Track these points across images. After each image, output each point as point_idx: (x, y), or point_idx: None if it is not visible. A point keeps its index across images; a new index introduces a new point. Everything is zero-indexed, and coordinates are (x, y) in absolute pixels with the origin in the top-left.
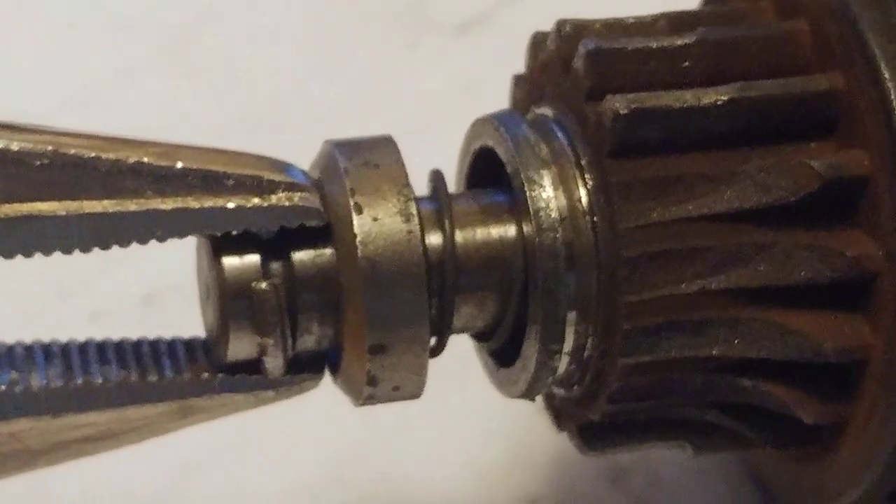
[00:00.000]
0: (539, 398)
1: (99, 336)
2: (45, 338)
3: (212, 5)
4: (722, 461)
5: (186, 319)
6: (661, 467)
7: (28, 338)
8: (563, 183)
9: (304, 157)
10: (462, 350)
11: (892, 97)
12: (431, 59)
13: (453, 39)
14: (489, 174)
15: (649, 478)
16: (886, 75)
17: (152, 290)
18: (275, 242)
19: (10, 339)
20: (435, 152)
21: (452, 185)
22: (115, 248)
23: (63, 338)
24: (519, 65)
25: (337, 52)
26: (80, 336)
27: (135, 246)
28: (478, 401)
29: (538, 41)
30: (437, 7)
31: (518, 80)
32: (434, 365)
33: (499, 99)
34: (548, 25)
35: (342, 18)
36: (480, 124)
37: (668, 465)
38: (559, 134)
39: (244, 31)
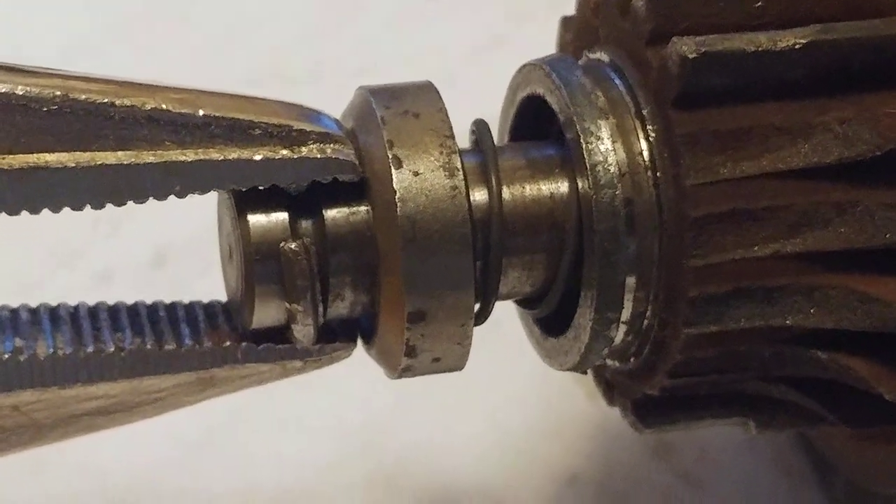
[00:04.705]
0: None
1: (106, 299)
2: (49, 301)
3: None
4: (773, 435)
5: (199, 281)
6: (708, 441)
7: (29, 300)
8: (623, 135)
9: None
10: (494, 313)
11: None
12: (453, 8)
13: None
14: (534, 126)
15: (696, 452)
16: None
17: (162, 249)
18: (305, 199)
19: (11, 302)
20: (455, 106)
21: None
22: (130, 204)
23: (68, 301)
24: (547, 16)
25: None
26: (86, 299)
27: (150, 201)
28: (512, 369)
29: None
30: None
31: (566, 23)
32: None
33: (525, 51)
34: None
35: None
36: (529, 70)
37: (716, 438)
38: (617, 81)
39: None
